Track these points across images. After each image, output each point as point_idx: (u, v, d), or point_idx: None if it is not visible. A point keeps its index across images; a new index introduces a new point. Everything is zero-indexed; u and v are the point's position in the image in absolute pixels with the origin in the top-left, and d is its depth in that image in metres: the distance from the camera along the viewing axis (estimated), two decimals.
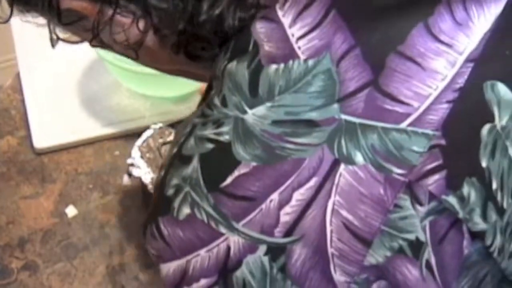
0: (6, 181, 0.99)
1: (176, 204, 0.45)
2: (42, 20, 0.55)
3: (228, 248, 0.43)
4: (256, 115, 0.44)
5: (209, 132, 0.45)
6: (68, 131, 1.06)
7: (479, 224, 0.43)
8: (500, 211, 0.43)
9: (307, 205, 0.42)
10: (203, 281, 0.45)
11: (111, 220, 0.95)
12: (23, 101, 1.12)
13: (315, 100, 0.43)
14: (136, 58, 0.56)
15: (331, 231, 0.42)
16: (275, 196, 0.43)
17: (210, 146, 0.45)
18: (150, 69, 1.07)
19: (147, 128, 1.01)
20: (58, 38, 0.55)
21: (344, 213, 0.42)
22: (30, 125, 1.07)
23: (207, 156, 0.45)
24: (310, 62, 0.44)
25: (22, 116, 1.10)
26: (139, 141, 0.93)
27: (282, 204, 0.43)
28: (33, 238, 0.92)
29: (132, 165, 0.91)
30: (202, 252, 0.44)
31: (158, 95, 1.11)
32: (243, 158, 0.43)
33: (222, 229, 0.44)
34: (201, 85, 1.09)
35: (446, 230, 0.43)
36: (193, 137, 0.46)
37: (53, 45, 0.55)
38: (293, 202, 0.42)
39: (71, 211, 0.96)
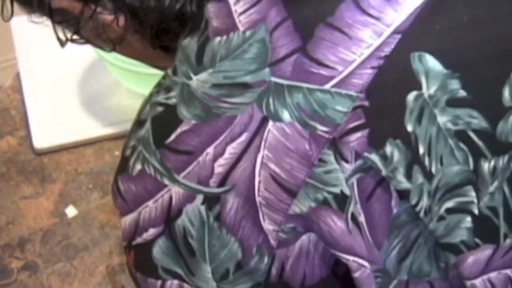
0: (6, 181, 0.99)
1: (131, 162, 0.51)
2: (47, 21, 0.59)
3: (171, 198, 0.48)
4: (199, 80, 0.48)
5: (160, 97, 0.51)
6: (68, 131, 1.06)
7: (403, 183, 0.45)
8: (428, 175, 0.45)
9: (238, 158, 0.46)
10: (151, 231, 0.49)
11: (111, 220, 0.95)
12: (23, 101, 1.12)
13: (249, 65, 0.47)
14: (114, 50, 0.61)
15: (259, 182, 0.46)
16: (210, 150, 0.47)
17: (160, 109, 0.50)
18: (150, 69, 1.07)
19: None
20: (67, 39, 0.59)
21: (272, 166, 0.45)
22: (30, 125, 1.07)
23: (157, 118, 0.50)
24: (248, 33, 0.48)
25: (22, 116, 1.10)
26: None
27: (216, 156, 0.47)
28: (33, 238, 0.92)
29: None
30: (150, 203, 0.49)
31: None
32: (185, 117, 0.48)
33: (166, 181, 0.48)
34: None
35: (373, 188, 0.46)
36: (148, 104, 0.52)
37: (62, 45, 0.59)
38: (226, 155, 0.46)
39: (71, 211, 0.96)
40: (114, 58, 1.03)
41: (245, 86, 0.47)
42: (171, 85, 0.50)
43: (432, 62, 0.45)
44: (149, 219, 0.49)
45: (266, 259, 0.47)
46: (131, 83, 1.10)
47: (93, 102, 1.12)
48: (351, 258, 0.46)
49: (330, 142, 0.45)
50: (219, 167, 0.46)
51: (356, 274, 0.47)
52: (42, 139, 1.04)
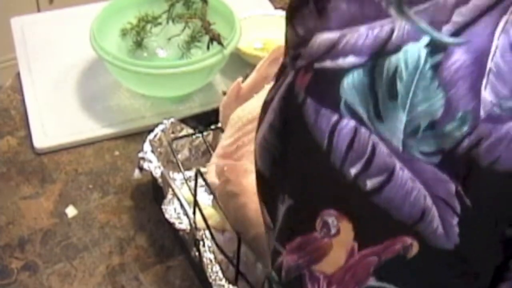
0: (6, 181, 0.99)
1: None
2: None
3: (392, 31, 0.44)
4: None
5: None
6: (68, 131, 1.06)
7: None
8: None
9: (481, 14, 0.43)
10: (351, 59, 0.45)
11: (111, 220, 0.95)
12: (23, 101, 1.12)
13: None
14: None
15: (496, 46, 0.43)
16: None
17: None
18: (150, 69, 1.07)
19: (147, 128, 1.01)
20: None
21: None
22: (30, 125, 1.07)
23: None
24: None
25: (22, 116, 1.10)
26: (151, 135, 0.94)
27: (459, 3, 0.43)
28: (33, 238, 0.92)
29: (143, 159, 0.91)
30: (363, 29, 0.45)
31: (158, 95, 1.11)
32: None
33: (392, 11, 0.44)
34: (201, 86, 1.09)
35: None
36: None
37: None
38: (470, 5, 0.43)
39: (71, 211, 0.96)
40: (114, 58, 1.03)
41: None
42: None
43: None
44: (353, 46, 0.45)
45: (465, 128, 0.43)
46: (131, 83, 1.10)
47: (93, 102, 1.12)
48: None
49: None
50: (459, 15, 0.43)
51: None
52: (42, 139, 1.05)
